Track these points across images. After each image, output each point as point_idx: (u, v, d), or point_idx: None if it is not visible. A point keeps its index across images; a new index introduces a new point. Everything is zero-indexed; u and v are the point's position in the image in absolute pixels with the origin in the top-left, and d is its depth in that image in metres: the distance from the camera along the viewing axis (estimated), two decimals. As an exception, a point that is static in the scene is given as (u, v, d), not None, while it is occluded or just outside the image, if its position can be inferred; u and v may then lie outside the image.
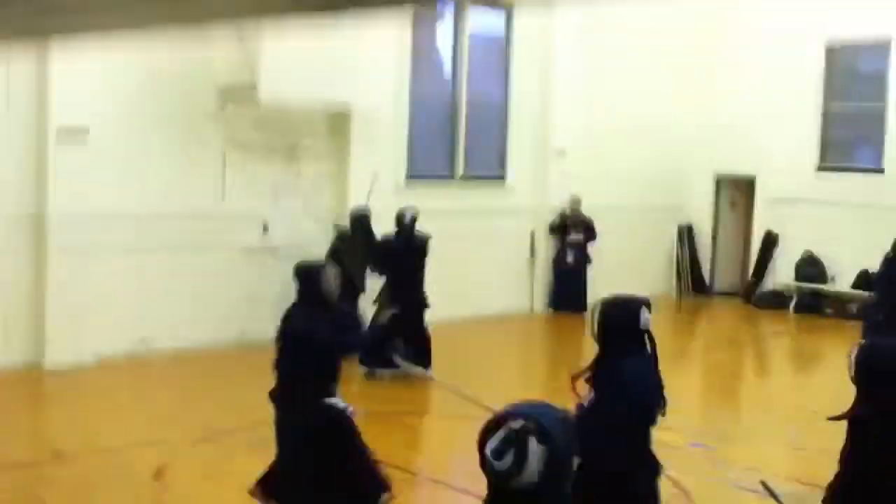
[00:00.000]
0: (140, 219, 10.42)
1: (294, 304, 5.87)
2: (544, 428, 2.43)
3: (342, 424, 5.69)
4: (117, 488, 6.72)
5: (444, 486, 7.27)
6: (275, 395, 5.77)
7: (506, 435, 2.44)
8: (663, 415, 4.79)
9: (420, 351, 9.95)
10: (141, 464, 7.13)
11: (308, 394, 5.65)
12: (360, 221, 11.04)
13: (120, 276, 10.31)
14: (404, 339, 9.82)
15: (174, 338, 10.60)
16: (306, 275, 5.89)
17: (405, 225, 10.35)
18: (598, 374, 4.67)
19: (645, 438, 4.72)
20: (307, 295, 5.79)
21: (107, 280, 10.17)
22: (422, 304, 10.18)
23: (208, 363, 10.04)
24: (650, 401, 4.65)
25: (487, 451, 2.44)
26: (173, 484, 6.80)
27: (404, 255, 10.20)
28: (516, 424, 2.44)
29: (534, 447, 2.41)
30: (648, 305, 4.72)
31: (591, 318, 4.73)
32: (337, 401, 5.74)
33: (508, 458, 2.41)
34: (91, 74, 9.83)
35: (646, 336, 4.68)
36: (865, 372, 4.57)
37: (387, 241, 10.46)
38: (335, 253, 10.66)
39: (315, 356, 5.64)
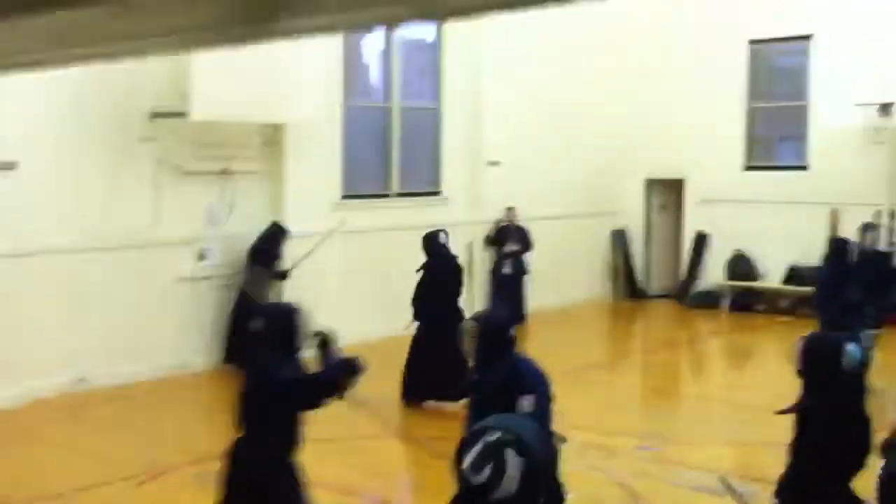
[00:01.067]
0: (70, 254, 10.18)
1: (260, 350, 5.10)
2: (522, 439, 2.44)
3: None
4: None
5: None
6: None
7: (483, 447, 2.44)
8: None
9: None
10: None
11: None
12: (275, 235, 11.24)
13: (53, 313, 10.07)
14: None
15: (112, 374, 10.38)
16: (282, 316, 5.14)
17: (441, 246, 10.02)
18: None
19: None
20: (279, 337, 5.04)
21: (39, 318, 9.93)
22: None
23: (149, 398, 9.85)
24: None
25: (464, 465, 2.43)
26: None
27: (449, 277, 9.92)
28: (493, 437, 2.45)
29: (511, 459, 2.42)
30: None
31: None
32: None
33: (486, 471, 2.41)
34: (16, 105, 9.62)
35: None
36: (810, 364, 4.67)
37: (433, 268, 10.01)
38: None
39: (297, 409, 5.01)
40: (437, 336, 9.25)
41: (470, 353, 4.81)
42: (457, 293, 9.86)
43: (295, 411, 4.96)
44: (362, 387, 5.10)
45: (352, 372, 4.95)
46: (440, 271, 9.87)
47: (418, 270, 9.93)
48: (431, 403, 9.49)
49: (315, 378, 4.99)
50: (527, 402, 4.57)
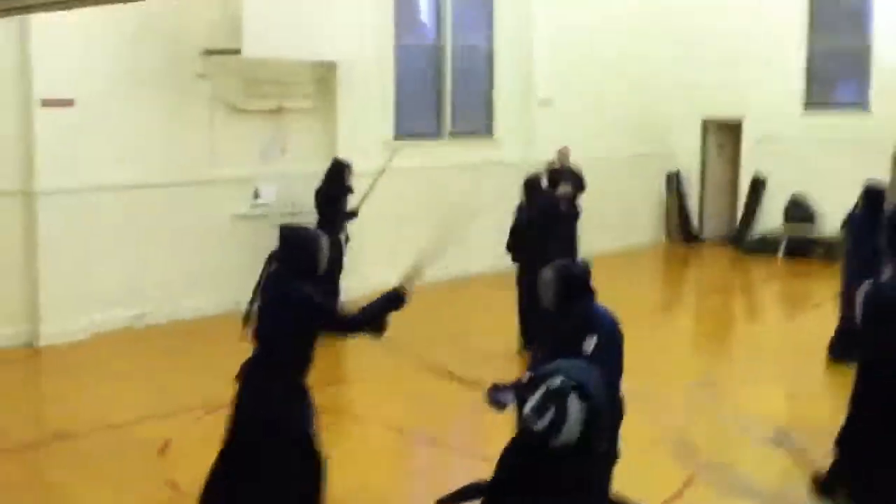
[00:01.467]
0: (129, 189, 10.29)
1: (276, 273, 5.12)
2: (584, 385, 2.41)
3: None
4: (123, 464, 6.69)
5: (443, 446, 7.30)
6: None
7: (546, 393, 2.42)
8: None
9: None
10: (145, 439, 7.10)
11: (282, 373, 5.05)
12: (339, 171, 10.79)
13: (111, 249, 10.22)
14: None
15: (170, 309, 10.56)
16: (300, 241, 5.18)
17: (543, 190, 9.89)
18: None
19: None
20: (296, 262, 5.08)
21: (98, 254, 10.08)
22: None
23: (205, 334, 9.99)
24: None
25: (526, 409, 2.42)
26: (179, 458, 6.77)
27: (550, 222, 9.73)
28: (556, 382, 2.42)
29: (574, 404, 2.40)
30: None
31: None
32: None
33: (548, 416, 2.39)
34: (71, 45, 9.70)
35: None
36: (872, 314, 4.57)
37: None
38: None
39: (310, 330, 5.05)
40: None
41: (548, 301, 4.82)
42: (555, 238, 9.52)
43: (313, 332, 5.00)
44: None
45: (394, 305, 5.03)
46: (542, 215, 9.56)
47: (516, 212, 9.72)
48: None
49: (343, 316, 5.08)
50: (589, 343, 4.59)
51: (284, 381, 5.00)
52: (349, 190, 10.85)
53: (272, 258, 5.19)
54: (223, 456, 5.11)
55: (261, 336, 5.07)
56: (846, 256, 9.65)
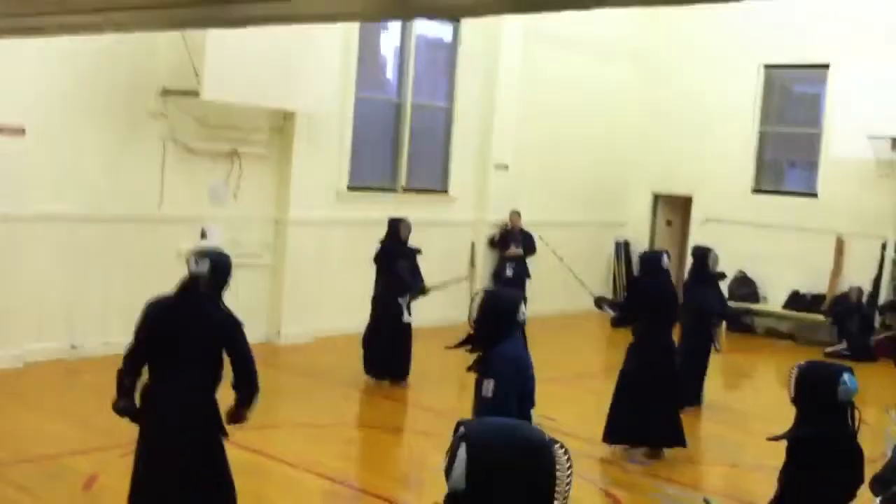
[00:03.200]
0: (72, 222, 10.17)
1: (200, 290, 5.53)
2: (474, 436, 2.45)
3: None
4: (47, 497, 6.52)
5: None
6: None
7: (451, 442, 2.48)
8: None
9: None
10: (72, 473, 6.95)
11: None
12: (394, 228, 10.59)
13: (51, 280, 10.06)
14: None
15: (105, 343, 10.36)
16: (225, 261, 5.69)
17: (665, 271, 8.84)
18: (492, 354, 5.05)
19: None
20: (218, 280, 5.60)
21: (36, 283, 9.91)
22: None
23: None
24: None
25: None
26: (103, 494, 6.62)
27: (664, 306, 8.76)
28: (458, 431, 2.49)
29: (461, 453, 2.44)
30: (525, 301, 5.19)
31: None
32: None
33: (444, 465, 2.44)
34: (27, 72, 9.62)
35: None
36: (805, 392, 4.62)
37: None
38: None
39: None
40: (651, 373, 8.36)
41: (473, 325, 5.05)
42: (671, 324, 8.81)
43: (225, 348, 5.37)
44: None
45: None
46: (656, 297, 8.63)
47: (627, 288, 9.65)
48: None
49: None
50: (486, 386, 4.89)
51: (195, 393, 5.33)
52: (408, 249, 10.52)
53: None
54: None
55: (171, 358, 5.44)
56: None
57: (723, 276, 10.93)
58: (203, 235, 11.29)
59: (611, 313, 9.08)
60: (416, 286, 10.50)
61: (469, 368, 5.16)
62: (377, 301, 10.43)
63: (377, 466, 7.94)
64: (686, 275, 10.99)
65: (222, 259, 5.64)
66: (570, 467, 2.42)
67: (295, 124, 11.94)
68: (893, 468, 4.81)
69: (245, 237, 11.67)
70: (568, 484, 2.42)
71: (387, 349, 10.20)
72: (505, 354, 4.97)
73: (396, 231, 10.52)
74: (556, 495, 2.41)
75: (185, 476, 5.22)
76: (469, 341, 5.18)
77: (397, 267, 10.34)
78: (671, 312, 8.80)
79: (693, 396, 9.97)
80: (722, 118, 15.92)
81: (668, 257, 8.94)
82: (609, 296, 16.48)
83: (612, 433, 8.44)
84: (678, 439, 8.41)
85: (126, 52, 10.36)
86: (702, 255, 10.51)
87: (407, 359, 10.30)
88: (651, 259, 9.05)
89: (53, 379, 9.52)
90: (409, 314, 10.31)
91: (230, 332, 5.45)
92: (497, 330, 5.03)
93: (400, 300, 10.29)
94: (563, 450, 2.44)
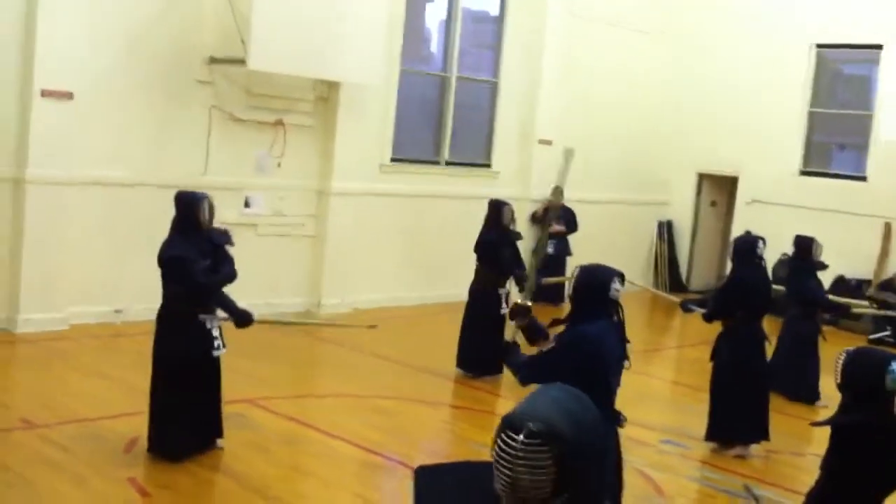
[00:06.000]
0: (118, 187, 10.28)
1: (171, 231, 6.70)
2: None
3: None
4: (87, 458, 6.61)
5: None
6: (159, 315, 6.71)
7: None
8: (627, 367, 5.15)
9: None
10: (113, 435, 7.04)
11: (183, 314, 6.55)
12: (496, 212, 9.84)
13: (97, 244, 10.19)
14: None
15: (149, 309, 10.44)
16: (184, 203, 6.64)
17: (760, 258, 8.44)
18: (564, 330, 5.05)
19: (602, 392, 4.83)
20: (182, 222, 6.63)
21: (83, 247, 10.04)
22: None
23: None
24: (599, 352, 4.87)
25: None
26: (145, 456, 6.71)
27: (757, 294, 8.41)
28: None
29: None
30: (622, 277, 5.07)
31: (570, 282, 5.17)
32: (209, 319, 6.62)
33: None
34: (77, 37, 9.70)
35: (614, 305, 5.04)
36: (851, 379, 4.56)
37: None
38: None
39: (186, 280, 6.47)
40: (747, 367, 8.11)
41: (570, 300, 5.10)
42: (764, 315, 8.45)
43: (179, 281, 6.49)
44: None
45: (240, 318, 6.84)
46: (752, 288, 8.27)
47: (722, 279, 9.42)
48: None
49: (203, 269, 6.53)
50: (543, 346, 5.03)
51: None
52: (512, 234, 9.87)
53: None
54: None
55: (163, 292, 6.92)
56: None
57: (825, 266, 10.67)
58: (247, 204, 11.37)
59: (700, 311, 8.81)
60: (522, 277, 9.73)
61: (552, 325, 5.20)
62: (476, 294, 9.72)
63: (413, 439, 7.97)
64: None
65: None
66: (520, 456, 2.10)
67: (339, 95, 11.94)
68: None
69: (288, 207, 11.73)
70: (509, 468, 2.11)
71: (485, 345, 9.37)
72: (580, 330, 4.90)
73: (499, 215, 9.74)
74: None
75: None
76: (560, 321, 5.14)
77: (502, 258, 9.65)
78: (766, 303, 8.40)
79: (810, 391, 9.74)
80: (770, 98, 15.67)
81: (764, 244, 8.48)
82: (651, 276, 16.42)
83: (713, 432, 8.21)
84: (765, 434, 8.20)
85: (173, 19, 10.43)
86: (806, 244, 10.32)
87: (500, 352, 9.78)
88: (745, 246, 8.52)
89: (97, 343, 9.65)
90: (507, 306, 9.48)
91: None
92: (583, 307, 4.98)
93: (500, 292, 9.66)
94: (530, 437, 2.11)
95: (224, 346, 6.77)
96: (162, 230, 10.51)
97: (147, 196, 10.36)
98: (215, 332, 6.72)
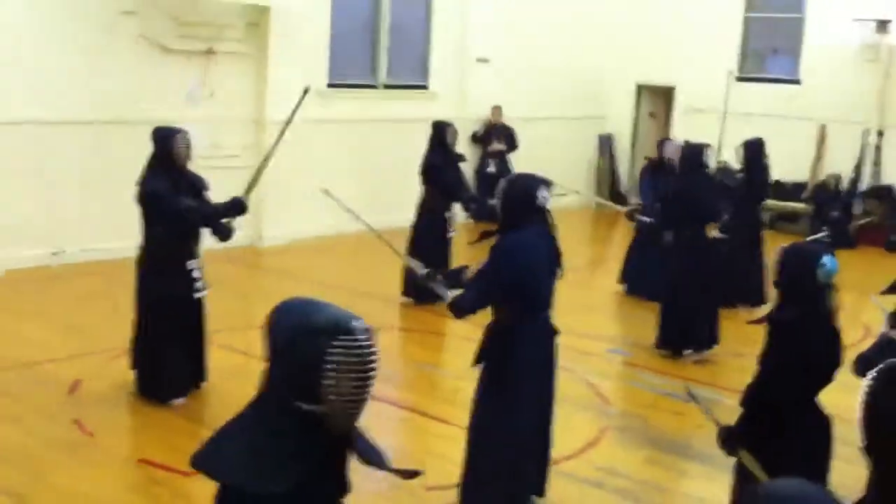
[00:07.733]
0: (46, 125, 10.01)
1: (147, 167, 6.47)
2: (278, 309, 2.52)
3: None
4: (31, 402, 6.56)
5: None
6: (139, 258, 6.52)
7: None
8: (560, 276, 5.20)
9: None
10: (55, 378, 6.98)
11: (167, 257, 6.39)
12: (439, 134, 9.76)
13: (28, 187, 9.95)
14: None
15: (86, 249, 10.32)
16: (160, 137, 6.47)
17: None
18: (495, 243, 5.06)
19: (534, 300, 5.03)
20: (159, 157, 6.43)
21: (12, 190, 9.81)
22: None
23: (121, 276, 9.76)
24: (528, 260, 4.95)
25: None
26: (87, 398, 6.67)
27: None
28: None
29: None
30: (548, 184, 5.05)
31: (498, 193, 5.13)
32: (194, 265, 6.48)
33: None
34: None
35: (543, 213, 5.04)
36: (786, 275, 4.62)
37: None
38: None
39: (167, 218, 6.27)
40: (697, 275, 8.24)
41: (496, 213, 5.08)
42: (708, 222, 8.40)
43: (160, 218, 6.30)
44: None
45: (234, 211, 6.56)
46: (697, 198, 8.33)
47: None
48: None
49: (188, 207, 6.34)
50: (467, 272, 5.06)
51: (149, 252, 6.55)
52: (455, 156, 9.83)
53: None
54: None
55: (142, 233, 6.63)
56: None
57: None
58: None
59: (646, 220, 8.85)
60: (467, 198, 9.88)
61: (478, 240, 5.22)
62: (422, 217, 9.65)
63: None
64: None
65: None
66: (365, 348, 2.37)
67: (271, 20, 11.68)
68: (881, 349, 4.86)
69: (224, 139, 11.52)
70: (364, 364, 2.37)
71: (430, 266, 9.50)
72: (509, 239, 4.93)
73: (443, 136, 9.62)
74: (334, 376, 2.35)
75: None
76: (490, 233, 5.14)
77: (446, 179, 9.55)
78: (713, 210, 8.38)
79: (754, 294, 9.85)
80: (706, 4, 15.65)
81: (711, 151, 8.52)
82: (592, 190, 16.50)
83: (665, 340, 8.40)
84: (715, 339, 8.41)
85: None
86: (758, 146, 10.46)
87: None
88: (691, 154, 8.53)
89: (34, 286, 9.49)
90: (454, 229, 9.72)
91: None
92: (512, 217, 4.98)
93: (447, 215, 9.63)
94: (365, 330, 2.38)
95: (207, 286, 6.64)
96: (95, 169, 10.41)
97: (76, 134, 10.12)
98: (196, 273, 6.57)
